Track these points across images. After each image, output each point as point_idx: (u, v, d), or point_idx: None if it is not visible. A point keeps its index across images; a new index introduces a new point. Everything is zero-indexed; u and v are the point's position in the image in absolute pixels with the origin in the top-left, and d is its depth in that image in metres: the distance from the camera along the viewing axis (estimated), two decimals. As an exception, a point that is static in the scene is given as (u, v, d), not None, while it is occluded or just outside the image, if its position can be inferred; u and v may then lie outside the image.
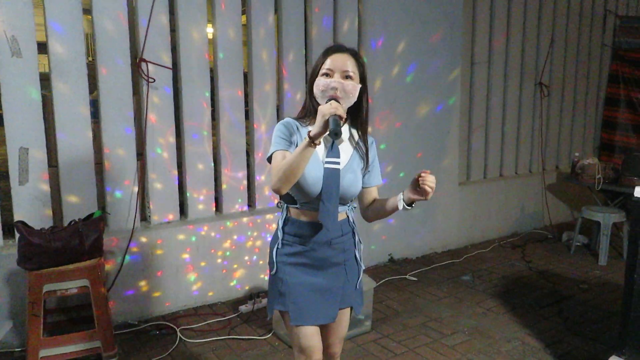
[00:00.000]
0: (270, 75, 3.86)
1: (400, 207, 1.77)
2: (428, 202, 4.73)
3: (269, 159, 1.82)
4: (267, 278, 3.91)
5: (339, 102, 1.70)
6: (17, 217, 3.00)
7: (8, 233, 3.13)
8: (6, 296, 3.00)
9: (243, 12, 3.75)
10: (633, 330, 2.55)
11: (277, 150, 1.78)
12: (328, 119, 1.59)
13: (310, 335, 1.85)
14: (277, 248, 1.89)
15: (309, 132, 1.62)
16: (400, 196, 1.78)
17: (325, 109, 1.61)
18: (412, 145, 4.60)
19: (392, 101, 4.40)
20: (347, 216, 1.90)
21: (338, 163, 1.76)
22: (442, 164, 4.82)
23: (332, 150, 1.76)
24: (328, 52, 1.80)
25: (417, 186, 1.70)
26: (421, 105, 4.58)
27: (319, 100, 1.78)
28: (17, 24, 2.91)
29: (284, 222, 1.88)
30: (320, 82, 1.76)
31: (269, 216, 3.90)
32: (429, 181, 1.66)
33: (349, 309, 1.98)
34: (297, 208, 1.85)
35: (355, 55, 1.82)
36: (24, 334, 2.90)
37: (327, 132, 1.59)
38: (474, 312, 3.61)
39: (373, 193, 1.97)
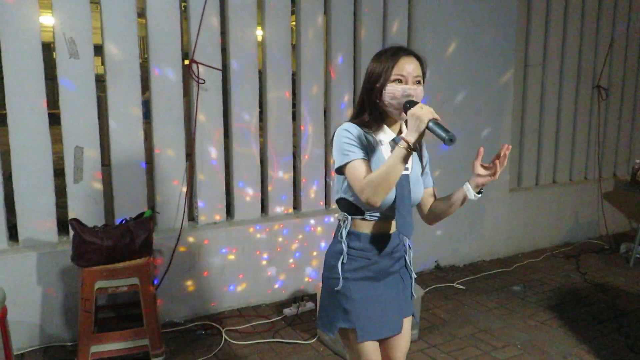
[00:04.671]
0: (319, 77, 3.83)
1: (471, 196, 1.65)
2: (476, 209, 4.62)
3: (341, 169, 1.68)
4: (311, 281, 3.95)
5: None
6: (71, 215, 3.08)
7: (62, 229, 3.21)
8: (60, 291, 3.08)
9: (293, 14, 3.73)
10: None
11: (356, 158, 1.64)
12: (428, 124, 1.51)
13: (375, 349, 1.80)
14: (342, 263, 1.76)
15: (404, 137, 1.54)
16: (467, 185, 1.66)
17: (422, 114, 1.52)
18: (460, 149, 4.43)
19: (440, 103, 4.28)
20: None
21: (407, 168, 1.72)
22: (492, 169, 4.64)
23: None
24: (396, 55, 1.69)
25: (484, 168, 1.61)
26: (471, 109, 4.44)
27: (390, 108, 1.68)
28: (75, 26, 2.98)
29: (348, 235, 1.77)
30: (395, 89, 1.65)
31: (314, 219, 3.86)
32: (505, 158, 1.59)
33: (410, 318, 1.93)
34: (363, 219, 1.76)
35: (420, 59, 1.74)
36: (76, 328, 2.97)
37: (443, 139, 1.48)
38: (526, 325, 3.45)
39: (433, 194, 1.91)
